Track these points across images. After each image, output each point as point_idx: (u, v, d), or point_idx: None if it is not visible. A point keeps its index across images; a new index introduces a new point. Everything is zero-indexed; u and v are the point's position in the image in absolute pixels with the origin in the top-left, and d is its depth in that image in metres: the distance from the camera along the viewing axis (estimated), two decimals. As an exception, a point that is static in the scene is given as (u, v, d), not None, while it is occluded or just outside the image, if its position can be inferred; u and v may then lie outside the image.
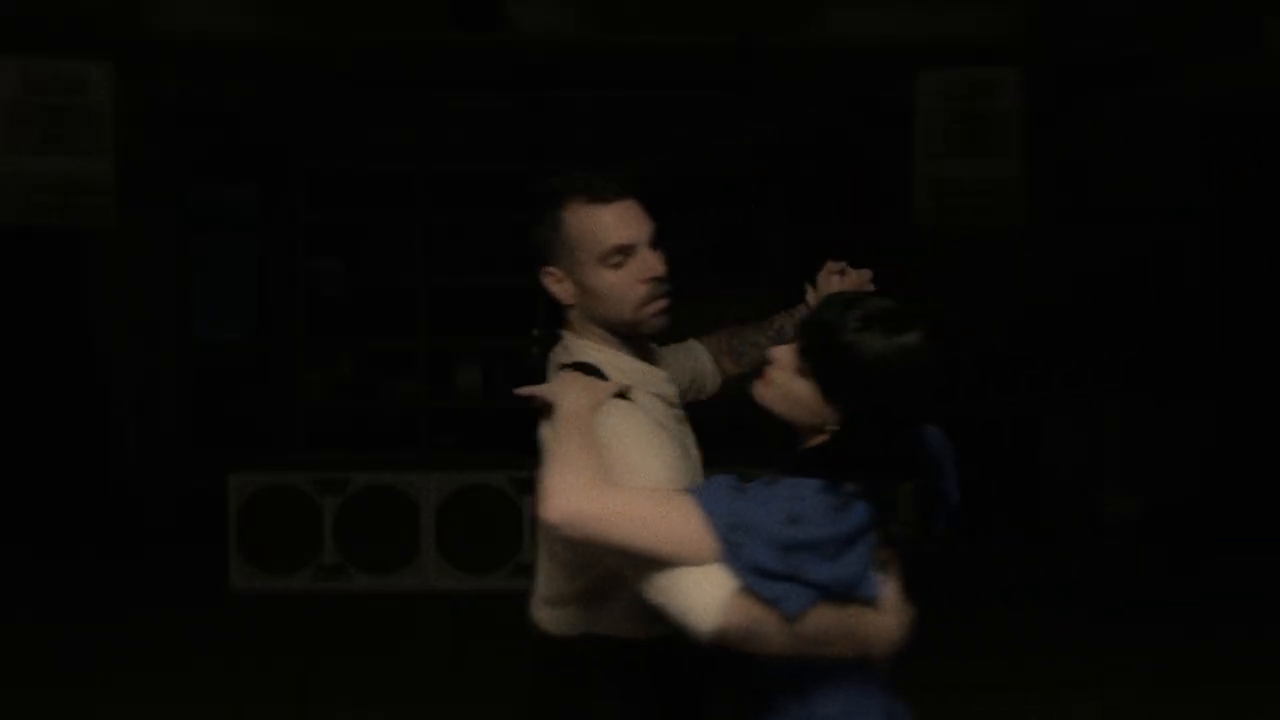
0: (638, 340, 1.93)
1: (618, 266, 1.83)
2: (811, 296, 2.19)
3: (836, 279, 2.16)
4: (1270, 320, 7.44)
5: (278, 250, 7.97)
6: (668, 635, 1.64)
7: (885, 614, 1.57)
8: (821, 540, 1.51)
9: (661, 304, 1.87)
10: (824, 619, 1.51)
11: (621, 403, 1.75)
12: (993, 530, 6.60)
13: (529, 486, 6.88)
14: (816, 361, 1.63)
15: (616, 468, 1.61)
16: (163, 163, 7.51)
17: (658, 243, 1.90)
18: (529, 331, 8.26)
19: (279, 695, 4.71)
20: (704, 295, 9.04)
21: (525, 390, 1.80)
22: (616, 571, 1.67)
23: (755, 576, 1.50)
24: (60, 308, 7.57)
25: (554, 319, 1.97)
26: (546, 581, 1.89)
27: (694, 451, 1.91)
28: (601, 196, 1.84)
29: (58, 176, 5.79)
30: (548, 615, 1.90)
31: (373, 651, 5.35)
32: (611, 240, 1.82)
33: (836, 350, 1.60)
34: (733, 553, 1.51)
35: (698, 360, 2.22)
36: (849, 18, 5.88)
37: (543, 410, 1.77)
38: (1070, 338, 7.72)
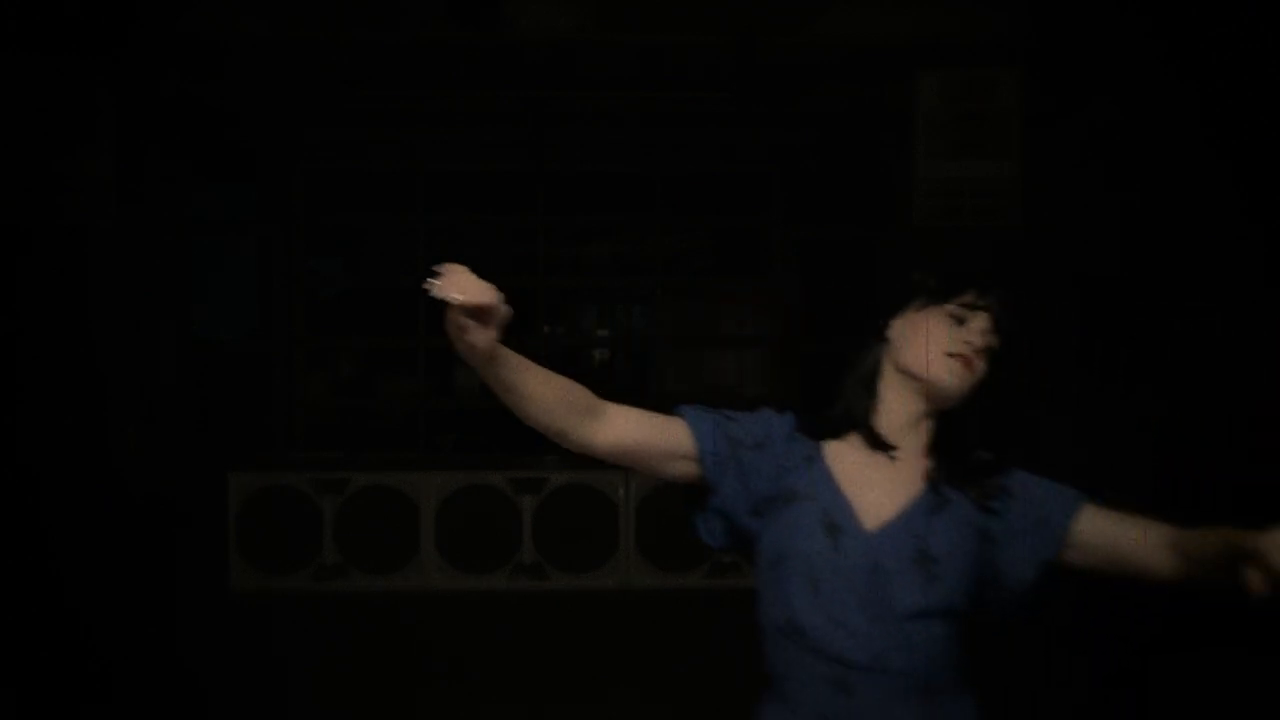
0: None
1: None
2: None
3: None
4: (1272, 321, 7.44)
5: (277, 250, 7.96)
6: None
7: None
8: None
9: None
10: None
11: None
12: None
13: (528, 486, 6.92)
14: (1010, 351, 1.82)
15: None
16: (163, 163, 7.51)
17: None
18: (532, 331, 8.28)
19: (279, 695, 4.71)
20: (704, 295, 9.10)
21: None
22: None
23: None
24: (60, 307, 7.56)
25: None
26: None
27: None
28: None
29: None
30: None
31: (374, 652, 5.35)
32: None
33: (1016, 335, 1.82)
34: None
35: None
36: (849, 18, 5.88)
37: None
38: (1070, 338, 7.72)
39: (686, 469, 1.79)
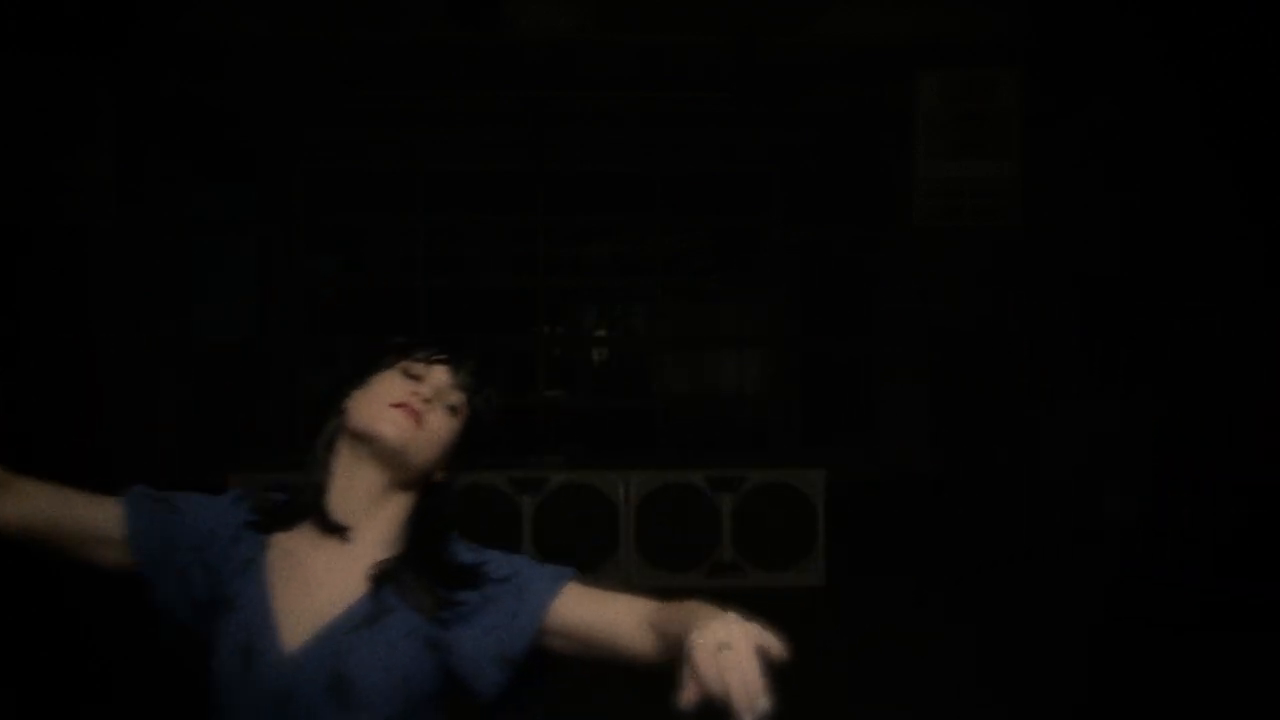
0: None
1: None
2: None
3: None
4: (1272, 321, 7.43)
5: (277, 250, 7.96)
6: None
7: None
8: None
9: None
10: None
11: None
12: (991, 535, 6.59)
13: (528, 486, 6.90)
14: (482, 413, 1.64)
15: None
16: (163, 163, 7.51)
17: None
18: (531, 331, 8.29)
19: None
20: (704, 295, 9.10)
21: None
22: None
23: None
24: (60, 307, 7.56)
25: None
26: None
27: None
28: None
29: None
30: None
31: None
32: None
33: (492, 407, 1.65)
34: None
35: None
36: (849, 18, 5.89)
37: None
38: (1070, 338, 7.72)
39: (119, 557, 1.63)
